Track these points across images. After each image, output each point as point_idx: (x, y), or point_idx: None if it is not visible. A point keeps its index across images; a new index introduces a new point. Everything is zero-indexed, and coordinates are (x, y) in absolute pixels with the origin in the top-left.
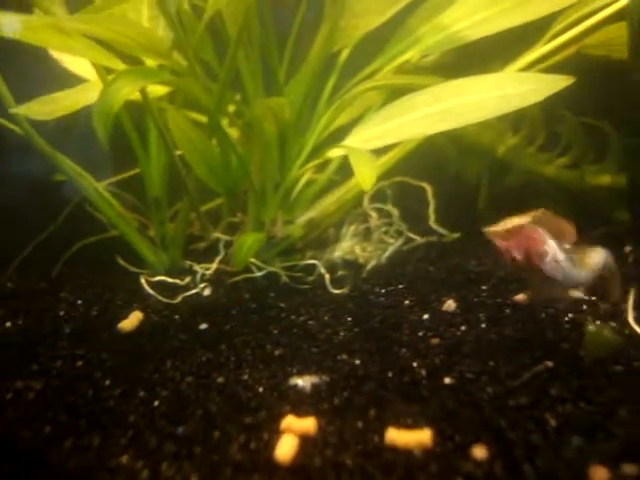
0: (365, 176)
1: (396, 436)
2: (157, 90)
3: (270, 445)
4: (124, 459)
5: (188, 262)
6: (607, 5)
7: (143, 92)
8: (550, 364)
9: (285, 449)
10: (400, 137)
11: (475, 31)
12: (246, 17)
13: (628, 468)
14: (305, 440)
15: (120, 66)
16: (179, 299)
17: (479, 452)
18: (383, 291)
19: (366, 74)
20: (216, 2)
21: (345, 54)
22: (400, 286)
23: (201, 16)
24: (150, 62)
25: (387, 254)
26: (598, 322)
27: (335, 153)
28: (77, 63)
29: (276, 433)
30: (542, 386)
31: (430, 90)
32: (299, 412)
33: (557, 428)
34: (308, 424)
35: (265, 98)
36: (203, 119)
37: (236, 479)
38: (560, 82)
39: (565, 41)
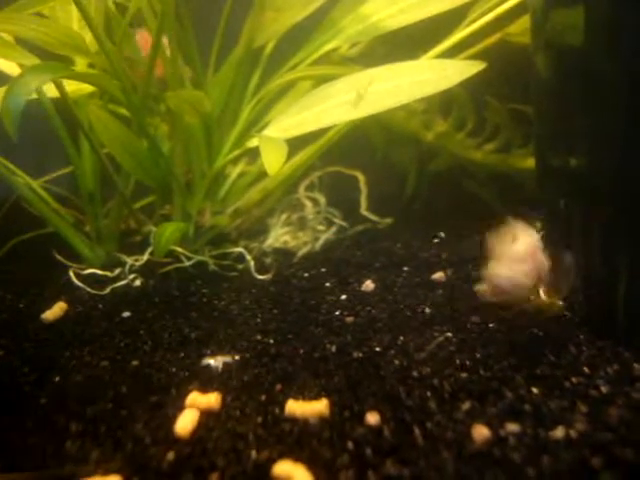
0: (271, 162)
1: (295, 407)
2: (84, 87)
3: (172, 420)
4: (30, 438)
5: (120, 255)
6: None
7: (60, 88)
8: (450, 335)
9: (184, 423)
10: (317, 125)
11: (395, 21)
12: (163, 14)
13: (511, 426)
14: (207, 414)
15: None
16: (107, 290)
17: (372, 418)
18: (306, 275)
19: (290, 66)
20: (138, 1)
21: (270, 47)
22: (323, 270)
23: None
24: (81, 61)
25: (320, 242)
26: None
27: (253, 143)
28: (10, 64)
29: (180, 410)
30: (447, 357)
31: (346, 79)
32: (206, 389)
33: (452, 394)
34: (211, 399)
35: (184, 92)
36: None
37: (135, 452)
38: (471, 68)
39: (482, 27)
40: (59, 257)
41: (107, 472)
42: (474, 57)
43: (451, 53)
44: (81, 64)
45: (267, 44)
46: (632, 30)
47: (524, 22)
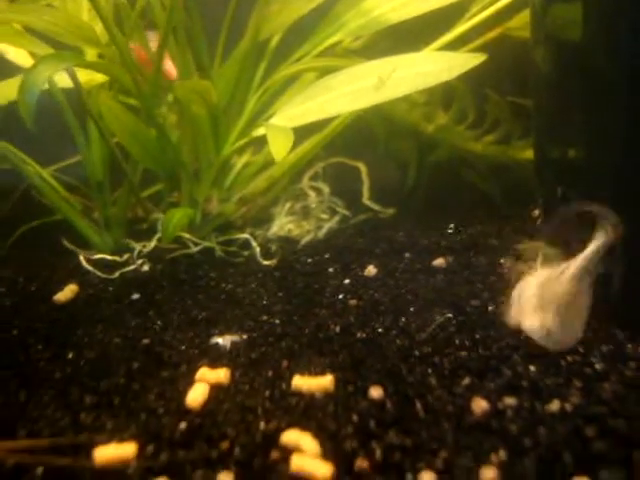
0: (278, 148)
1: (301, 382)
2: (96, 78)
3: (183, 394)
4: (47, 410)
5: (129, 241)
6: None
7: (74, 78)
8: (450, 315)
9: (195, 396)
10: (320, 115)
11: (396, 14)
12: (172, 7)
13: (509, 400)
14: (217, 388)
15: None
16: (117, 275)
17: (375, 392)
18: (310, 260)
19: (295, 58)
20: None
21: (275, 40)
22: (326, 256)
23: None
24: (90, 51)
25: (324, 230)
26: None
27: (259, 131)
28: (21, 54)
29: (191, 384)
30: (447, 337)
31: (348, 71)
32: (215, 366)
33: (452, 371)
34: (220, 374)
35: (192, 82)
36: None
37: (148, 422)
38: (473, 60)
39: (483, 21)
40: (67, 244)
41: (122, 440)
42: (475, 50)
43: (453, 46)
44: (91, 55)
45: (273, 36)
46: (630, 26)
47: (524, 16)
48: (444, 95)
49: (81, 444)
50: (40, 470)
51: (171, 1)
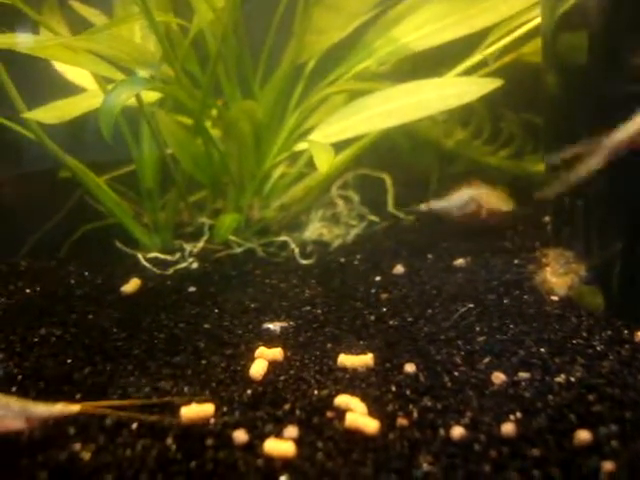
0: (322, 161)
1: (345, 360)
2: (149, 97)
3: (246, 368)
4: (131, 379)
5: (178, 242)
6: (530, 20)
7: (138, 98)
8: (471, 305)
9: (256, 369)
10: (355, 132)
11: (422, 42)
12: (224, 34)
13: (522, 374)
14: (274, 364)
15: (119, 76)
16: (171, 271)
17: (409, 368)
18: (343, 260)
19: (329, 81)
20: (199, 22)
21: (311, 64)
22: (358, 256)
23: (187, 33)
24: (143, 73)
25: (352, 235)
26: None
27: (301, 146)
28: (78, 74)
29: (251, 360)
30: (469, 325)
31: (381, 93)
32: (270, 346)
33: (475, 352)
34: (276, 352)
35: (241, 102)
36: (189, 121)
37: (218, 390)
38: (489, 84)
39: (498, 49)
40: (120, 244)
41: (201, 401)
42: (492, 72)
43: (473, 69)
44: (143, 75)
45: (308, 61)
46: (628, 52)
47: (536, 43)
48: (462, 113)
49: (165, 404)
50: (135, 425)
51: (222, 31)
